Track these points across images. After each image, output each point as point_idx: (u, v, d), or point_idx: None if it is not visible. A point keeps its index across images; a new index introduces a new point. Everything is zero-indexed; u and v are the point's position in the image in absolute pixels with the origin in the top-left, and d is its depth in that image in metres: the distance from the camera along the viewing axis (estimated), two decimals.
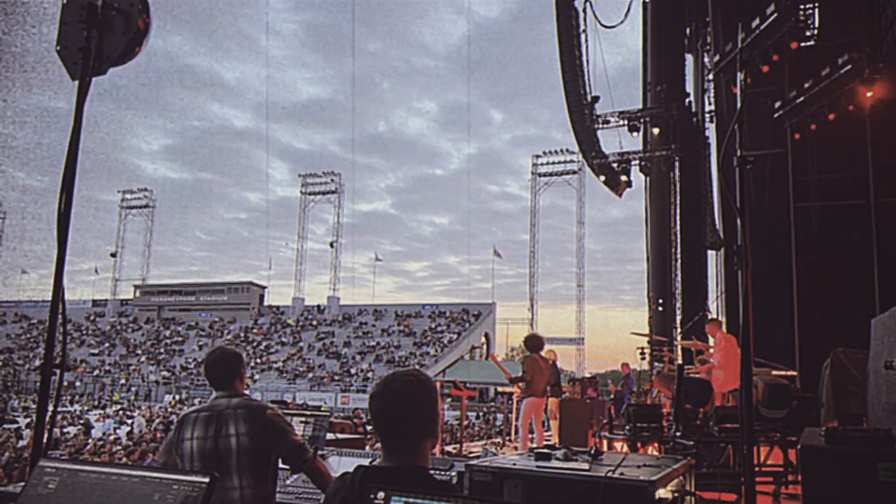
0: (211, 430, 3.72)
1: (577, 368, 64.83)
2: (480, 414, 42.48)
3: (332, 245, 74.15)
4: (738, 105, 3.11)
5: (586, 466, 3.69)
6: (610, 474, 3.37)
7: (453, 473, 4.18)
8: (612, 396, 15.04)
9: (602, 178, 26.20)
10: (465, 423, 33.32)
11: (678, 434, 6.93)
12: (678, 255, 24.81)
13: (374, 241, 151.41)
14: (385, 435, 2.22)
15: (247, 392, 4.05)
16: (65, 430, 25.29)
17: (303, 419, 5.50)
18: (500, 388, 15.11)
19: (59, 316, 2.25)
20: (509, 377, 10.97)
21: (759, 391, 7.70)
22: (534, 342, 10.67)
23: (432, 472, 4.41)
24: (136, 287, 79.41)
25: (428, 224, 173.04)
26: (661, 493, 3.46)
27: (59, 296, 2.15)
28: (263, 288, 77.51)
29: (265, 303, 76.62)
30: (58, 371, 2.19)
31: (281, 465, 3.85)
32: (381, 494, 1.77)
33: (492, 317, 69.29)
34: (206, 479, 1.90)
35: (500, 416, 27.81)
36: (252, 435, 3.67)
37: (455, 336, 64.10)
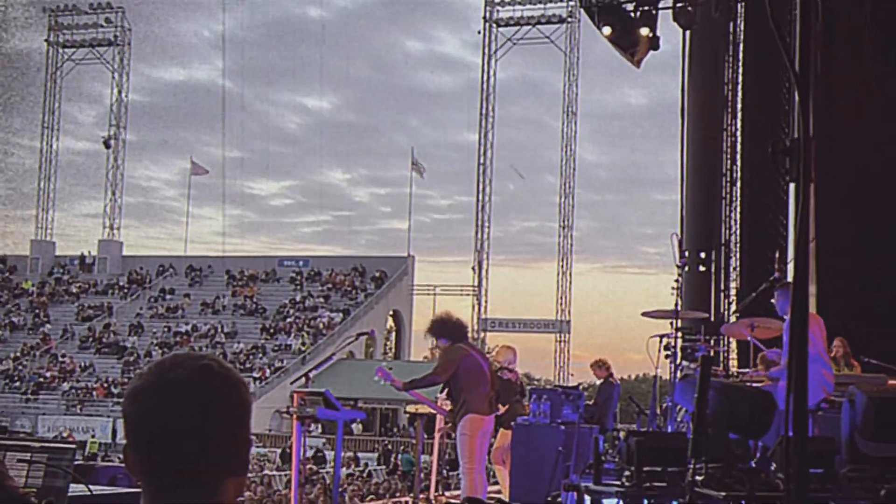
0: None
1: (558, 371, 42.86)
2: (381, 453, 29.70)
3: (107, 143, 48.73)
4: None
5: None
6: None
7: None
8: (586, 417, 9.34)
9: (607, 30, 16.17)
10: (351, 469, 23.35)
11: (699, 480, 5.07)
12: (738, 176, 15.99)
13: (189, 138, 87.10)
14: (156, 464, 1.49)
15: None
16: None
17: (28, 455, 4.08)
18: (411, 409, 10.48)
19: None
20: (434, 405, 8.24)
21: (861, 410, 6.04)
22: (449, 328, 7.68)
23: None
24: None
25: (293, 109, 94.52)
26: None
27: None
28: None
29: None
30: None
31: None
32: None
33: (406, 281, 47.10)
34: None
35: (424, 457, 15.05)
36: None
37: (337, 315, 43.08)
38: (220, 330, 43.53)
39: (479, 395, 7.50)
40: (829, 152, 11.79)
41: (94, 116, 60.76)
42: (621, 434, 9.00)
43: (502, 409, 8.97)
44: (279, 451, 28.98)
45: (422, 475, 10.58)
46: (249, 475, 20.28)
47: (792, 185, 13.36)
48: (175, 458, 1.52)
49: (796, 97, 2.32)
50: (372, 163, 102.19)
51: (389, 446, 30.60)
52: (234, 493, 1.59)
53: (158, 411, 1.51)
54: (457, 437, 7.59)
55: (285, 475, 22.00)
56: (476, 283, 43.29)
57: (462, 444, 7.51)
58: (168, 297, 46.80)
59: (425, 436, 10.07)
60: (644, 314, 9.77)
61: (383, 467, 25.96)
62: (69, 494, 4.15)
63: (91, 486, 4.77)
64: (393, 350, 49.01)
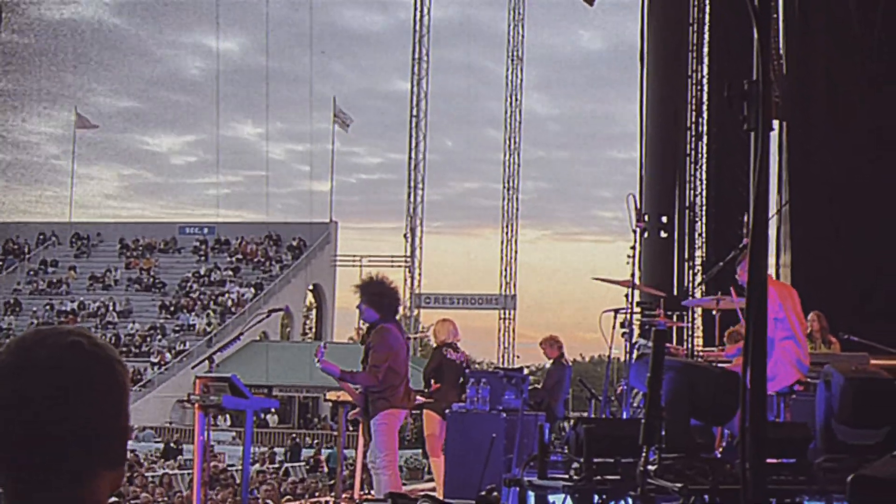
0: None
1: (502, 353, 39.51)
2: (288, 448, 26.80)
3: None
4: None
5: None
6: None
7: None
8: (533, 403, 8.91)
9: None
10: (264, 467, 22.11)
11: (651, 469, 4.82)
12: (704, 130, 15.27)
13: (74, 86, 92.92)
14: (15, 456, 1.40)
15: None
16: None
17: None
18: (331, 396, 9.36)
19: None
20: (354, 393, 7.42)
21: (838, 393, 5.97)
22: (383, 300, 7.36)
23: None
24: None
25: (195, 52, 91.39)
26: None
27: None
28: None
29: None
30: None
31: None
32: None
33: (328, 251, 42.80)
34: None
35: (347, 451, 15.37)
36: None
37: (247, 290, 39.75)
38: (111, 308, 40.39)
39: (404, 387, 7.46)
40: (808, 134, 12.52)
41: None
42: (570, 421, 8.74)
43: (433, 387, 8.82)
44: (163, 445, 26.60)
45: (345, 472, 10.02)
46: (146, 475, 19.15)
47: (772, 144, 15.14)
48: (38, 449, 1.45)
49: (755, 32, 2.19)
50: (288, 115, 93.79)
51: (299, 439, 28.38)
52: (108, 487, 1.52)
53: (18, 396, 1.43)
54: (374, 427, 7.40)
55: (188, 473, 19.80)
56: (409, 253, 39.55)
57: (384, 435, 7.43)
58: (50, 269, 43.15)
59: (350, 428, 9.24)
60: (596, 279, 9.19)
61: (302, 463, 23.99)
62: None
63: None
64: (313, 330, 46.04)
